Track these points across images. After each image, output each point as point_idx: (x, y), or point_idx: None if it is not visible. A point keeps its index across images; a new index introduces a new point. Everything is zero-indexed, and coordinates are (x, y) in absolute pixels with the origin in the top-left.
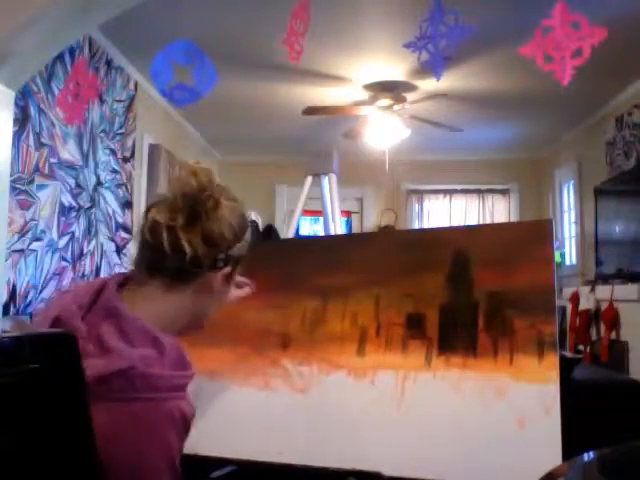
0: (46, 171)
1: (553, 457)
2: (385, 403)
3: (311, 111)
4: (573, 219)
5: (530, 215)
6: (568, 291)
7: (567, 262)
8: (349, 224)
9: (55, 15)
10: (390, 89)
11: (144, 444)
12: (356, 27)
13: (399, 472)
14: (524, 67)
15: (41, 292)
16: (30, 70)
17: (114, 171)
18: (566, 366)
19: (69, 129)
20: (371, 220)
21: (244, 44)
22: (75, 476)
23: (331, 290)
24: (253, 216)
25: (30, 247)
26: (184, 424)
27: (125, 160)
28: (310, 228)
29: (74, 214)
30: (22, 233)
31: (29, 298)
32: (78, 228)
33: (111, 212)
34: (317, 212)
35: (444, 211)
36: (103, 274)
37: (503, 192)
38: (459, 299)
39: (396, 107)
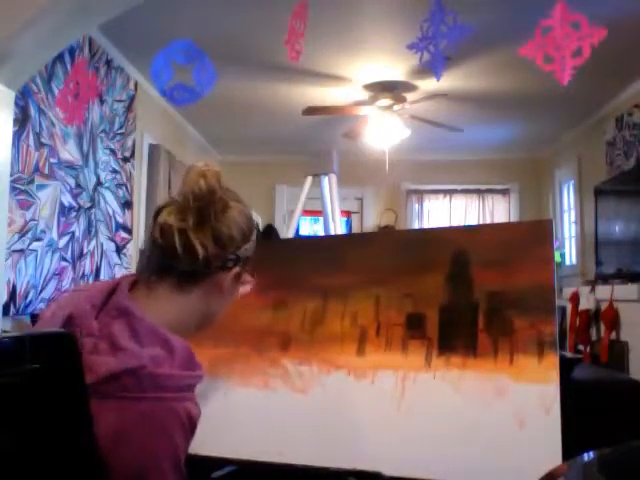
0: (46, 171)
1: (553, 457)
2: (385, 403)
3: (311, 111)
4: (573, 219)
5: (530, 215)
6: (568, 291)
7: (567, 262)
8: (349, 224)
9: (55, 15)
10: (390, 89)
11: (151, 443)
12: (356, 27)
13: (399, 472)
14: (524, 67)
15: (41, 292)
16: (30, 70)
17: (114, 171)
18: (566, 366)
19: (69, 129)
20: (371, 220)
21: (244, 44)
22: (76, 476)
23: (331, 290)
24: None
25: (30, 247)
26: (190, 424)
27: (125, 160)
28: (310, 228)
29: (74, 214)
30: (22, 233)
31: (29, 298)
32: (78, 228)
33: (111, 212)
34: (317, 212)
35: (444, 211)
36: (103, 274)
37: (503, 192)
38: (459, 299)
39: (396, 107)
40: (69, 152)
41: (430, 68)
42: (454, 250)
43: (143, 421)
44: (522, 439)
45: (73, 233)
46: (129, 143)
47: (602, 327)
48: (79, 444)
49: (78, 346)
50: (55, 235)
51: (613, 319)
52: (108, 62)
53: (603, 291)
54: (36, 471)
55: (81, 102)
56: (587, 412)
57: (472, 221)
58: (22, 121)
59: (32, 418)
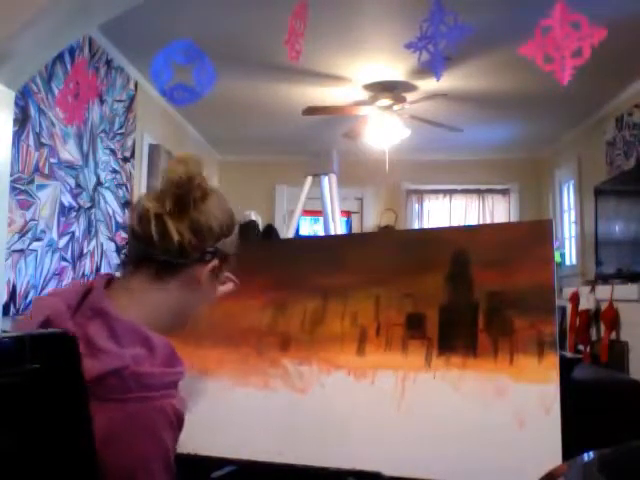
0: (46, 171)
1: (553, 457)
2: (385, 403)
3: (311, 111)
4: (573, 219)
5: (530, 215)
6: (568, 291)
7: (567, 262)
8: (349, 224)
9: (55, 15)
10: (390, 89)
11: (140, 444)
12: (356, 27)
13: (399, 472)
14: (524, 67)
15: (41, 292)
16: (30, 70)
17: (114, 171)
18: (566, 366)
19: (69, 129)
20: (371, 220)
21: (244, 44)
22: (75, 476)
23: (331, 290)
24: (253, 216)
25: (30, 247)
26: (178, 421)
27: (125, 160)
28: (310, 228)
29: (74, 214)
30: (22, 233)
31: (29, 298)
32: (78, 228)
33: (111, 212)
34: (317, 212)
35: (444, 211)
36: None
37: (503, 192)
38: (459, 299)
39: (396, 107)
40: (69, 152)
41: (430, 68)
42: (454, 250)
43: (131, 422)
44: (522, 439)
45: (73, 233)
46: (129, 143)
47: (602, 327)
48: (79, 444)
49: (78, 346)
50: (55, 235)
51: (613, 319)
52: (108, 62)
53: (603, 291)
54: (36, 471)
55: (81, 102)
56: (587, 412)
57: (472, 221)
58: (22, 121)
59: (32, 418)
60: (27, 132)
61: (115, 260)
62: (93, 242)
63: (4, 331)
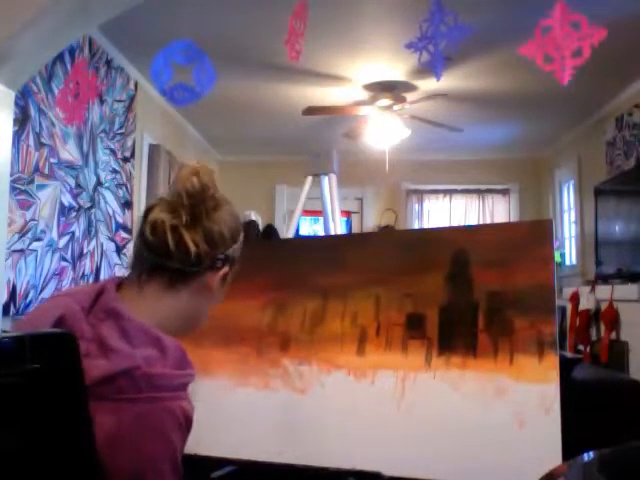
0: (46, 171)
1: (553, 457)
2: (385, 403)
3: (311, 111)
4: (573, 219)
5: (530, 215)
6: (568, 291)
7: (567, 262)
8: (349, 224)
9: (55, 15)
10: (390, 89)
11: (148, 444)
12: (356, 27)
13: (399, 472)
14: (524, 67)
15: (41, 292)
16: (30, 70)
17: (114, 171)
18: (566, 366)
19: (69, 129)
20: (371, 220)
21: (244, 44)
22: (75, 475)
23: (331, 290)
24: (253, 216)
25: (30, 247)
26: (187, 423)
27: (125, 160)
28: (310, 228)
29: (74, 214)
30: (22, 233)
31: (29, 298)
32: (78, 228)
33: (111, 212)
34: (317, 212)
35: (444, 211)
36: (103, 274)
37: (503, 192)
38: (459, 299)
39: (396, 107)
40: (69, 152)
41: (430, 68)
42: (454, 250)
43: (140, 422)
44: (522, 439)
45: (73, 233)
46: (129, 143)
47: (602, 327)
48: (79, 444)
49: (79, 346)
50: (55, 235)
51: (613, 319)
52: (108, 62)
53: (603, 291)
54: (36, 471)
55: (81, 102)
56: (587, 412)
57: (472, 221)
58: (22, 121)
59: (32, 418)
60: (27, 132)
61: (115, 260)
62: (93, 242)
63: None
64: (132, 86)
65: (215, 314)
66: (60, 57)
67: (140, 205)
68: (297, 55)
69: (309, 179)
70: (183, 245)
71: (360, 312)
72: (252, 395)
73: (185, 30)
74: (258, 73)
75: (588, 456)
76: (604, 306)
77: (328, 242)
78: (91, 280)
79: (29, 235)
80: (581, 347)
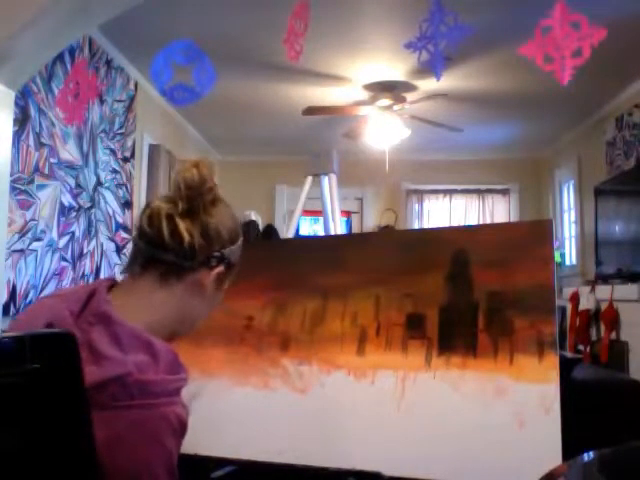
0: (46, 171)
1: (553, 457)
2: (385, 403)
3: (311, 111)
4: (573, 219)
5: (530, 215)
6: (568, 291)
7: (567, 262)
8: (349, 224)
9: (55, 15)
10: (390, 89)
11: (143, 450)
12: (356, 27)
13: (399, 472)
14: (524, 67)
15: (41, 292)
16: (30, 70)
17: (114, 171)
18: (566, 366)
19: (69, 129)
20: (371, 220)
21: (244, 44)
22: (75, 475)
23: (331, 290)
24: (253, 216)
25: (30, 247)
26: (181, 428)
27: (125, 160)
28: (310, 228)
29: (74, 214)
30: (22, 233)
31: (29, 298)
32: (78, 228)
33: (111, 212)
34: (317, 212)
35: (444, 211)
36: (103, 274)
37: (503, 192)
38: (459, 299)
39: (396, 107)
40: (69, 152)
41: (430, 68)
42: (454, 250)
43: (134, 430)
44: (522, 439)
45: (73, 233)
46: (129, 143)
47: (602, 327)
48: (79, 444)
49: (78, 346)
50: (55, 235)
51: (613, 319)
52: (108, 62)
53: (603, 291)
54: (36, 471)
55: (81, 102)
56: (587, 412)
57: (472, 221)
58: (22, 121)
59: (32, 418)
60: (27, 132)
61: (115, 260)
62: (93, 242)
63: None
64: (132, 86)
65: (215, 314)
66: (60, 57)
67: (140, 205)
68: (297, 55)
69: (309, 179)
70: (177, 234)
71: (360, 312)
72: (252, 395)
73: (185, 30)
74: (258, 73)
75: (588, 456)
76: (604, 306)
77: (328, 242)
78: (91, 280)
79: (29, 235)
80: (581, 347)
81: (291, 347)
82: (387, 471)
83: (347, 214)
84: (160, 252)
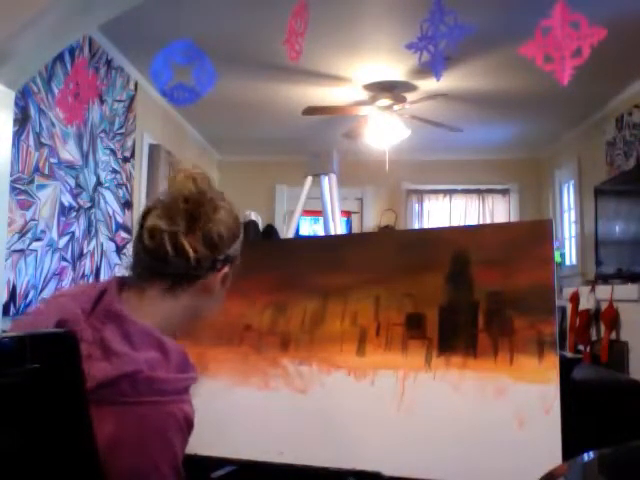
0: (46, 171)
1: (553, 457)
2: (385, 403)
3: (311, 111)
4: (573, 219)
5: (530, 215)
6: (568, 291)
7: (567, 262)
8: (349, 224)
9: (55, 15)
10: (390, 89)
11: (150, 447)
12: (356, 27)
13: (399, 472)
14: (524, 67)
15: (41, 292)
16: (30, 70)
17: (114, 171)
18: (566, 366)
19: (69, 129)
20: (371, 220)
21: (244, 44)
22: (76, 475)
23: (331, 290)
24: (253, 216)
25: (30, 247)
26: (188, 426)
27: (125, 160)
28: (310, 228)
29: (74, 214)
30: (22, 233)
31: (29, 298)
32: (78, 228)
33: (111, 212)
34: (317, 212)
35: (444, 211)
36: (103, 274)
37: (503, 192)
38: (459, 299)
39: (396, 107)
40: (69, 152)
41: (430, 68)
42: (454, 250)
43: (142, 426)
44: (522, 439)
45: (73, 233)
46: (129, 143)
47: (602, 327)
48: (79, 444)
49: (79, 346)
50: (55, 235)
51: (613, 319)
52: (108, 62)
53: (603, 291)
54: (36, 470)
55: (81, 102)
56: (587, 412)
57: (472, 221)
58: (22, 121)
59: (32, 418)
60: (27, 132)
61: (115, 260)
62: (93, 242)
63: (4, 331)
64: (132, 86)
65: (215, 314)
66: (60, 57)
67: (140, 205)
68: (297, 55)
69: (309, 179)
70: (182, 251)
71: (360, 312)
72: (252, 395)
73: (185, 30)
74: (258, 73)
75: (588, 456)
76: (604, 306)
77: (328, 242)
78: (91, 280)
79: (29, 235)
80: (581, 347)
81: (291, 347)
82: (387, 471)
83: (347, 214)
84: (166, 266)
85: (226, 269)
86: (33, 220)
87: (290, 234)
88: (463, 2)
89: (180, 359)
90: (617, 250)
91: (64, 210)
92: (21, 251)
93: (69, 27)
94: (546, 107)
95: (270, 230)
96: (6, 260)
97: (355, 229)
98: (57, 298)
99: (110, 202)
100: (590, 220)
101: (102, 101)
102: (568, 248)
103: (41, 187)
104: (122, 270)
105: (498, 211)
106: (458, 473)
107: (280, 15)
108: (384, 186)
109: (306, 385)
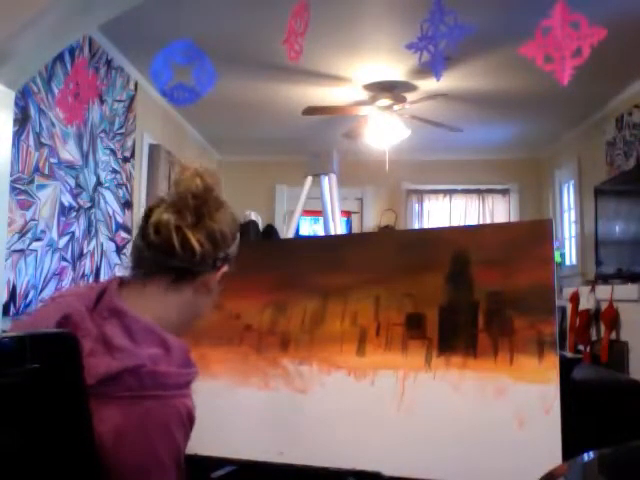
0: (46, 171)
1: (553, 457)
2: (385, 403)
3: (311, 111)
4: (573, 219)
5: (530, 215)
6: (568, 291)
7: (567, 262)
8: (349, 224)
9: (55, 15)
10: (390, 89)
11: (153, 441)
12: (356, 27)
13: (399, 472)
14: (524, 67)
15: (41, 292)
16: (30, 70)
17: (114, 171)
18: (566, 366)
19: (69, 129)
20: (371, 220)
21: (244, 44)
22: (76, 474)
23: (331, 290)
24: (253, 216)
25: (30, 247)
26: (190, 420)
27: (125, 160)
28: (310, 228)
29: (74, 214)
30: (22, 233)
31: (29, 298)
32: (78, 228)
33: (111, 212)
34: (317, 212)
35: (444, 211)
36: (103, 274)
37: (503, 192)
38: (459, 299)
39: (396, 107)
40: (69, 152)
41: (430, 68)
42: (454, 250)
43: (145, 419)
44: (522, 439)
45: (73, 233)
46: (129, 143)
47: (602, 327)
48: (79, 443)
49: (80, 346)
50: (55, 235)
51: (613, 319)
52: (108, 62)
53: (603, 291)
54: (37, 470)
55: (81, 102)
56: (587, 412)
57: (472, 221)
58: (22, 121)
59: (32, 417)
60: (27, 132)
61: (115, 260)
62: (93, 242)
63: (4, 331)
64: (132, 86)
65: (215, 314)
66: (60, 57)
67: (140, 205)
68: (297, 55)
69: (309, 179)
70: (188, 245)
71: (360, 312)
72: (252, 395)
73: (185, 30)
74: (258, 73)
75: (588, 456)
76: (604, 306)
77: (328, 242)
78: (91, 280)
79: (29, 235)
80: (581, 347)
81: (291, 347)
82: (387, 471)
83: (347, 214)
84: (170, 261)
85: (225, 268)
86: (33, 220)
87: (290, 234)
88: (463, 2)
89: (182, 355)
90: (617, 250)
91: (64, 210)
92: (21, 251)
93: (69, 27)
94: (546, 107)
95: (270, 230)
96: (6, 260)
97: (355, 229)
98: (60, 297)
99: (110, 202)
100: (590, 220)
101: (102, 101)
102: (568, 248)
103: (41, 187)
104: (122, 270)
105: (498, 211)
106: (458, 473)
107: (280, 15)
108: (384, 186)
109: (306, 385)
